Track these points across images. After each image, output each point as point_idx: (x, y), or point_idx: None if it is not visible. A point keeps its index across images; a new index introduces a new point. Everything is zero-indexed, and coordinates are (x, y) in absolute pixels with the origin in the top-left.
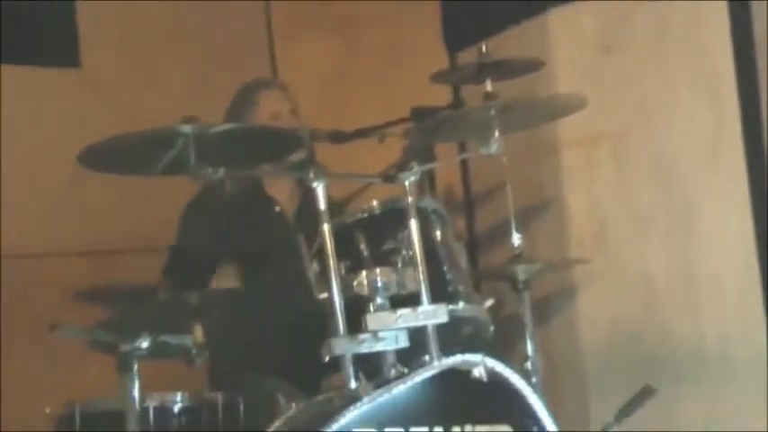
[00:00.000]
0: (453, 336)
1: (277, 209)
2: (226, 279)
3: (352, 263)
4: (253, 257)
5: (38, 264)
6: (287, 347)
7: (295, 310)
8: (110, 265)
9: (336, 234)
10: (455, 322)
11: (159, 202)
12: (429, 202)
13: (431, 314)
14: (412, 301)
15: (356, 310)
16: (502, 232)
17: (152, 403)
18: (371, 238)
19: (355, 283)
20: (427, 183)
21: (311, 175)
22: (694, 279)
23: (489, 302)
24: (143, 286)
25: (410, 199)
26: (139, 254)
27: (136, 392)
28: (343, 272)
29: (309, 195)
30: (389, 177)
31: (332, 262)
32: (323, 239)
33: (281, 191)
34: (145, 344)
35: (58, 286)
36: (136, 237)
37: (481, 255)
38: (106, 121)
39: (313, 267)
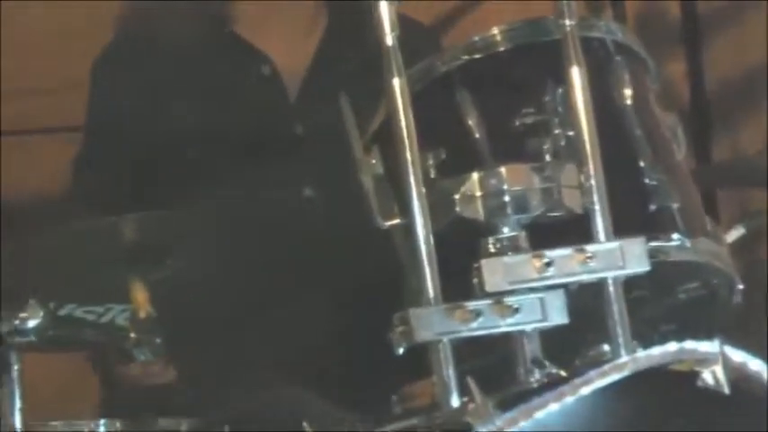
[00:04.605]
0: (661, 301)
1: (265, 70)
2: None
3: (452, 154)
4: (229, 152)
5: None
6: (321, 327)
7: (335, 251)
8: None
9: (420, 96)
10: (664, 274)
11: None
12: (609, 30)
13: (614, 258)
14: (572, 231)
15: (460, 249)
16: (758, 90)
17: None
18: (490, 102)
19: (457, 195)
20: None
21: None
22: None
23: (736, 233)
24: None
25: (568, 23)
26: (30, 138)
27: (17, 418)
28: (433, 173)
29: (357, 21)
30: None
31: (410, 153)
32: (392, 108)
33: (277, 31)
34: (33, 321)
35: None
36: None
37: (718, 135)
38: None
39: (370, 165)
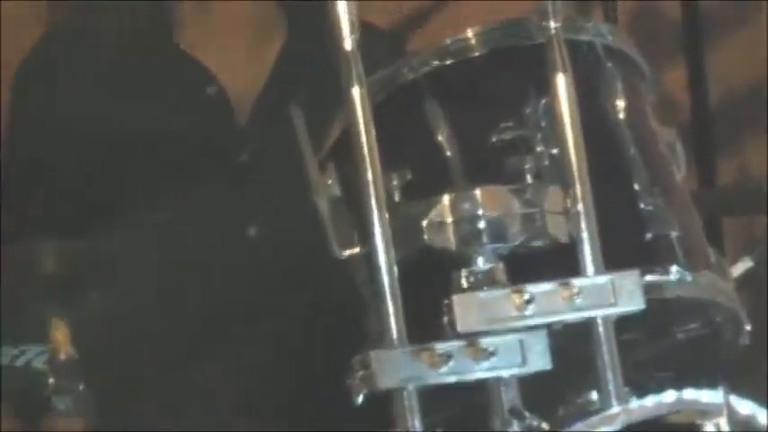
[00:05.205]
0: (657, 343)
1: (210, 90)
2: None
3: (420, 173)
4: (164, 181)
5: None
6: (271, 373)
7: (284, 289)
8: None
9: (383, 108)
10: (661, 312)
11: None
12: (599, 32)
13: (604, 295)
14: (557, 263)
15: (428, 283)
16: None
17: None
18: (463, 115)
19: (425, 222)
20: None
21: None
22: None
23: (743, 266)
24: None
25: (552, 24)
26: None
27: None
28: (397, 196)
29: (312, 27)
30: None
31: (371, 173)
32: (351, 121)
33: (226, 47)
34: None
35: None
36: None
37: (723, 154)
38: None
39: (326, 186)
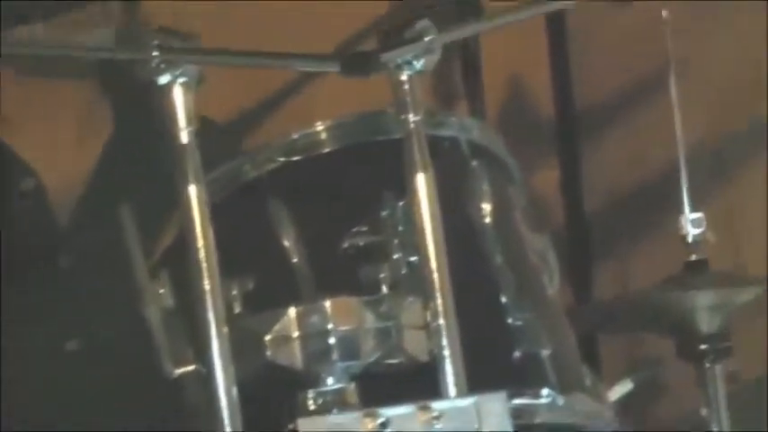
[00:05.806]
0: None
1: (27, 184)
2: None
3: (263, 282)
4: None
5: None
6: None
7: (107, 406)
8: None
9: (222, 208)
10: None
11: None
12: (463, 127)
13: (467, 419)
14: (415, 383)
15: (272, 405)
16: (653, 203)
17: None
18: (311, 217)
19: (269, 336)
20: (460, 77)
21: (154, 56)
22: None
23: (622, 389)
24: None
25: (412, 118)
26: None
27: None
28: (237, 307)
29: (146, 114)
30: (357, 59)
31: (208, 281)
32: (186, 223)
33: (46, 138)
34: None
35: None
36: None
37: (601, 265)
38: None
39: (157, 295)
